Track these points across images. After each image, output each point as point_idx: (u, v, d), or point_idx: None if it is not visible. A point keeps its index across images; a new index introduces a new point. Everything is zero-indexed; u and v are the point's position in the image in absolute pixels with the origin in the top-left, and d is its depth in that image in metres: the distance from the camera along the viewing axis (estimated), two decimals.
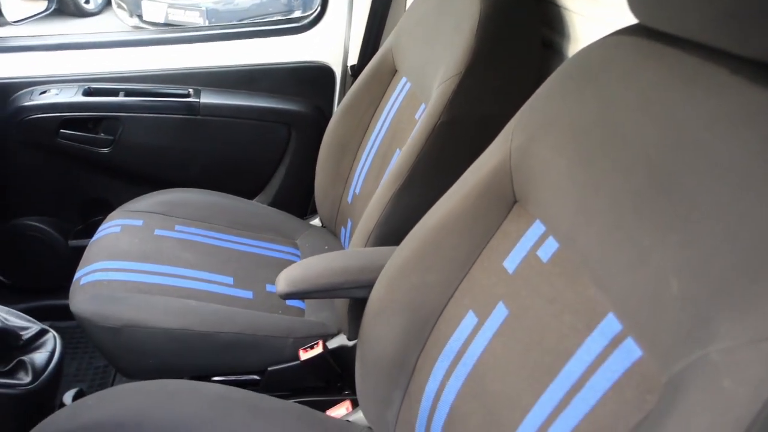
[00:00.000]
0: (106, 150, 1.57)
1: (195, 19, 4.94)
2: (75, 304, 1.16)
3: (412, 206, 1.06)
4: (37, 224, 1.64)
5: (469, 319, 0.75)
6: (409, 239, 0.87)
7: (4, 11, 1.59)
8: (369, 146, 1.39)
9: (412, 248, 0.85)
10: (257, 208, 1.58)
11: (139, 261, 1.25)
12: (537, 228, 0.70)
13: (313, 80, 1.64)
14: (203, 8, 4.99)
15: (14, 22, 1.62)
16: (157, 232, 1.36)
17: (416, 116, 1.22)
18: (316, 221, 1.64)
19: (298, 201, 1.74)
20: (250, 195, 1.70)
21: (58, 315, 1.71)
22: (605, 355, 0.54)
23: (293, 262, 1.42)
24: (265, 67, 1.62)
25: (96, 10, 6.04)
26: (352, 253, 1.08)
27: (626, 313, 0.54)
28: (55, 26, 5.45)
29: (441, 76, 1.10)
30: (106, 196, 1.67)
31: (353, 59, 1.62)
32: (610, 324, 0.55)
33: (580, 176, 0.65)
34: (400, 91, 1.34)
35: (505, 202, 0.76)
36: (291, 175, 1.69)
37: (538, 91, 0.78)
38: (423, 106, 1.21)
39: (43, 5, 1.73)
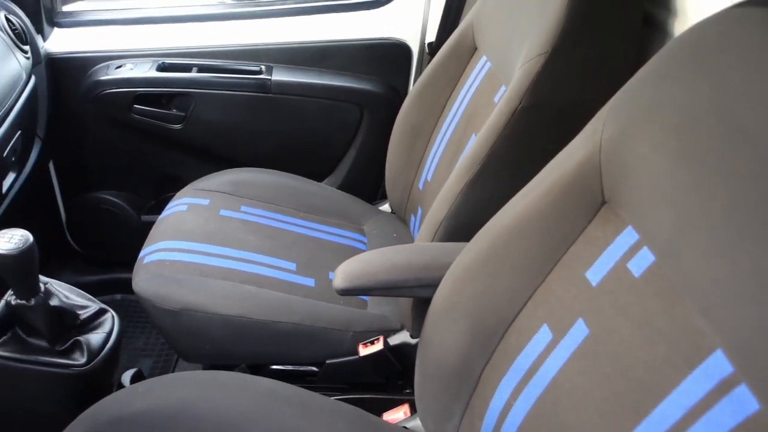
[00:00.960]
0: (178, 126, 1.56)
1: None
2: (137, 283, 1.15)
3: (485, 199, 0.97)
4: (112, 198, 1.66)
5: (543, 335, 0.65)
6: (479, 238, 0.79)
7: None
8: (443, 130, 1.30)
9: (480, 248, 0.76)
10: (325, 191, 1.53)
11: (203, 242, 1.23)
12: (629, 235, 0.60)
13: (388, 58, 1.57)
14: None
15: None
16: (222, 212, 1.34)
17: (495, 99, 1.12)
18: (385, 207, 1.57)
19: (368, 185, 1.68)
20: (319, 177, 1.65)
21: (129, 288, 1.74)
22: (710, 402, 0.44)
23: (359, 249, 1.36)
24: (338, 44, 1.56)
25: None
26: (417, 248, 1.00)
27: (740, 352, 0.44)
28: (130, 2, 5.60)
29: (525, 55, 0.99)
30: (178, 173, 1.66)
31: (431, 36, 1.52)
32: (719, 364, 0.45)
33: (685, 178, 0.54)
34: (479, 71, 1.24)
35: (591, 203, 0.66)
36: (361, 157, 1.63)
37: (638, 74, 0.67)
38: (503, 88, 1.10)
39: None
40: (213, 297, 1.09)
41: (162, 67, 1.52)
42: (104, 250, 1.73)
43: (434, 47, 1.49)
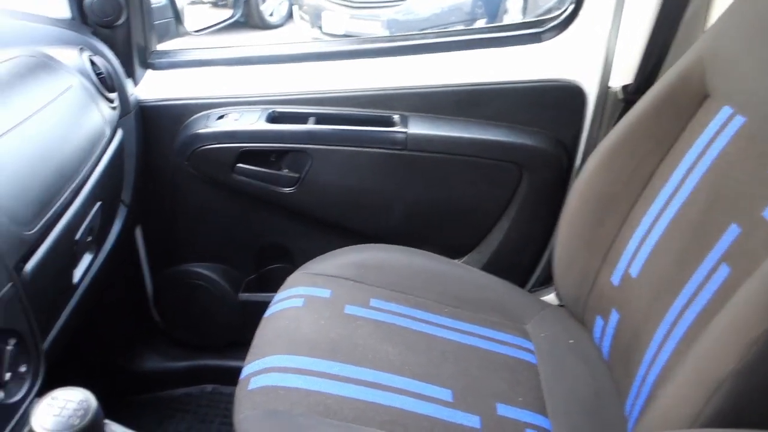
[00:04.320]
0: (289, 190, 1.26)
1: (375, 29, 4.75)
2: (240, 420, 0.83)
3: None
4: (205, 272, 1.38)
5: None
6: None
7: (184, 20, 1.34)
8: (658, 206, 0.93)
9: None
10: (472, 274, 1.18)
11: (327, 358, 0.91)
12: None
13: (555, 105, 1.21)
14: (383, 18, 4.79)
15: (195, 31, 1.37)
16: (348, 309, 1.02)
17: None
18: (549, 297, 1.20)
19: (522, 266, 1.32)
20: (457, 253, 1.31)
21: (221, 378, 1.45)
22: None
23: (527, 363, 1.00)
24: (491, 87, 1.22)
25: (279, 23, 6.10)
26: None
27: None
28: (234, 39, 5.55)
29: None
30: (285, 243, 1.37)
31: (618, 77, 1.16)
32: None
33: None
34: (721, 128, 0.86)
35: None
36: (516, 230, 1.27)
37: None
38: None
39: (228, 13, 1.49)
40: None
41: (272, 118, 1.24)
42: (195, 333, 1.45)
43: (632, 91, 1.12)
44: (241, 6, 1.46)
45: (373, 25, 4.81)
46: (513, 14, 4.80)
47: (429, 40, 1.27)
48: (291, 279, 1.09)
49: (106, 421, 0.66)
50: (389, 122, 1.23)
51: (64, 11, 1.18)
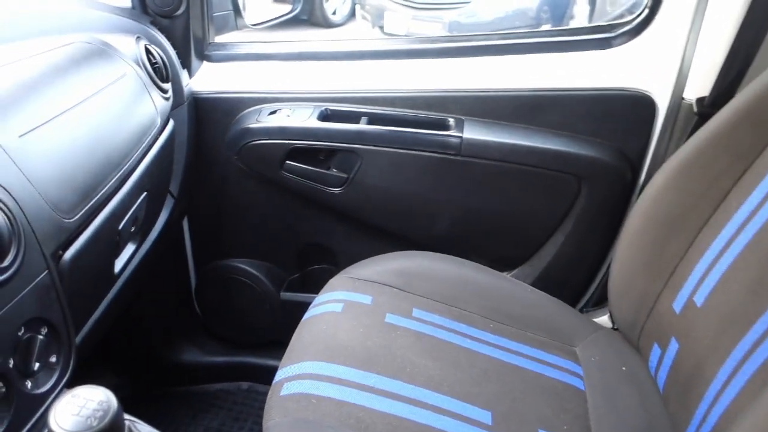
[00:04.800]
0: (336, 190, 1.23)
1: (437, 31, 4.70)
2: (270, 426, 0.81)
3: None
4: (248, 268, 1.36)
5: None
6: None
7: (244, 13, 1.33)
8: (732, 230, 0.86)
9: None
10: (521, 289, 1.12)
11: (363, 368, 0.87)
12: None
13: (621, 115, 1.14)
14: (446, 21, 4.74)
15: (253, 25, 1.36)
16: (388, 317, 0.98)
17: None
18: (602, 319, 1.13)
19: (574, 284, 1.25)
20: (506, 265, 1.25)
21: (258, 376, 1.43)
22: None
23: (574, 388, 0.94)
24: (553, 94, 1.16)
25: (341, 22, 6.12)
26: None
27: None
28: (295, 35, 5.59)
29: None
30: (329, 244, 1.34)
31: (693, 88, 1.07)
32: None
33: None
34: None
35: None
36: (571, 246, 1.21)
37: None
38: None
39: (287, 8, 1.47)
40: None
41: (324, 116, 1.21)
42: (235, 329, 1.44)
43: (708, 104, 1.04)
44: (300, 1, 1.44)
45: (434, 27, 4.76)
46: (579, 20, 4.67)
47: (489, 42, 1.21)
48: (332, 282, 1.06)
49: (131, 418, 0.64)
50: (444, 125, 1.18)
51: (125, 0, 1.19)
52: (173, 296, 1.40)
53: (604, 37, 1.15)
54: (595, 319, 1.13)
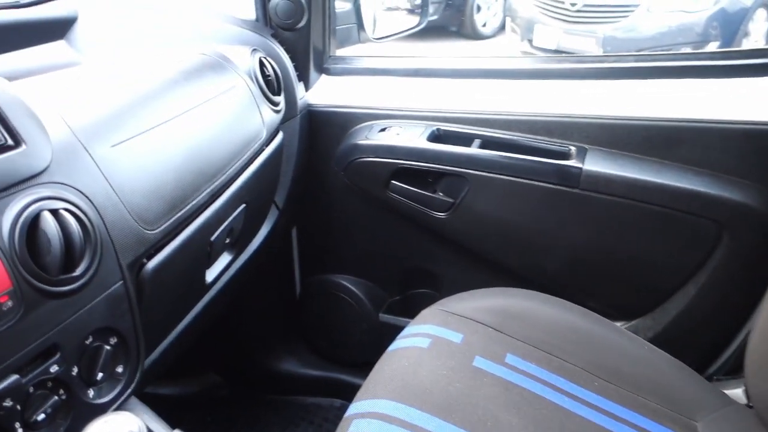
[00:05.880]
0: (441, 215, 1.17)
1: (590, 47, 4.45)
2: None
3: None
4: (348, 285, 1.34)
5: None
6: None
7: (366, 25, 1.31)
8: None
9: None
10: (637, 345, 0.99)
11: (438, 415, 0.80)
12: None
13: None
14: (600, 35, 4.46)
15: (376, 39, 1.33)
16: (477, 361, 0.90)
17: None
18: (734, 392, 0.97)
19: (706, 347, 1.09)
20: (623, 315, 1.11)
21: (352, 395, 1.40)
22: None
23: None
24: (695, 126, 1.01)
25: (491, 34, 6.03)
26: None
27: None
28: (442, 47, 5.57)
29: None
30: (432, 269, 1.28)
31: None
32: None
33: None
34: None
35: None
36: (705, 301, 1.05)
37: None
38: None
39: (416, 20, 1.43)
40: None
41: (435, 136, 1.15)
42: (332, 344, 1.42)
43: None
44: (427, 15, 1.40)
45: (587, 42, 4.51)
46: (755, 38, 4.21)
47: (624, 64, 1.09)
48: (423, 314, 0.99)
49: None
50: (563, 154, 1.08)
51: (251, 12, 1.21)
52: (276, 305, 1.42)
53: (764, 62, 0.98)
54: (726, 391, 0.97)
